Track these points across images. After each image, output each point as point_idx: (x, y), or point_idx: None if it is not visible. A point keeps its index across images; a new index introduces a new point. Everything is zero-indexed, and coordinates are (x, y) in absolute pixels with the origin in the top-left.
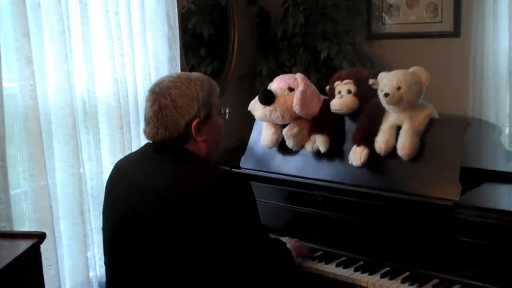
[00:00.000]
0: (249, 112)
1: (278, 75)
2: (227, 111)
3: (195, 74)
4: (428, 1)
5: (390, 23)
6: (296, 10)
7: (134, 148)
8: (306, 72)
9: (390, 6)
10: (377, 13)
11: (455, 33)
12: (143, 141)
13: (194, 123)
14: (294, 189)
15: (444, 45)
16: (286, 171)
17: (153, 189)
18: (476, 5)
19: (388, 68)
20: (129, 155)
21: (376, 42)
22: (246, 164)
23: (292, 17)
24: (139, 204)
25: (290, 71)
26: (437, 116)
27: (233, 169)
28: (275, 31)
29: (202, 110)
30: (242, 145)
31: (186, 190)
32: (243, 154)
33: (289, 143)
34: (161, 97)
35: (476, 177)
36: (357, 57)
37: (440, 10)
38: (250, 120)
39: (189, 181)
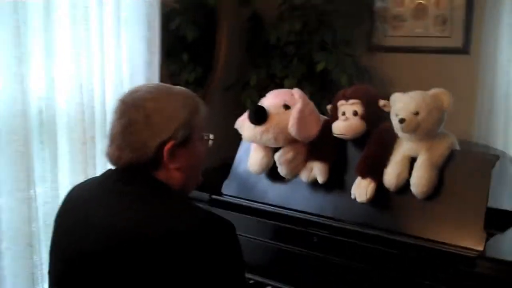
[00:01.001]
0: (234, 127)
1: (267, 86)
2: (210, 137)
3: (178, 88)
4: (436, 13)
5: (394, 35)
6: (292, 16)
7: (99, 168)
8: (299, 86)
9: (395, 16)
10: (379, 23)
11: (465, 49)
12: None
13: (168, 146)
14: (285, 225)
15: (452, 62)
16: (276, 202)
17: (109, 231)
18: (489, 19)
19: (388, 84)
20: (89, 180)
21: (377, 55)
22: (229, 190)
23: (288, 23)
24: (90, 247)
25: (281, 82)
26: (458, 147)
27: (212, 196)
28: (268, 37)
29: (180, 131)
30: (224, 166)
31: (152, 236)
32: (225, 177)
33: (282, 170)
34: (133, 110)
35: (496, 219)
36: (356, 70)
37: (449, 23)
38: (235, 137)
39: (157, 224)
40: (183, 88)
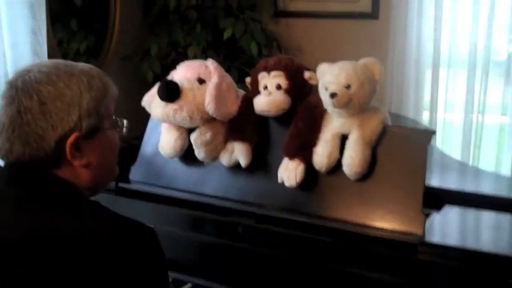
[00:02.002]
0: (136, 102)
1: (169, 55)
2: (124, 124)
3: (81, 66)
4: None
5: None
6: None
7: None
8: (204, 54)
9: None
10: None
11: (373, 14)
12: None
13: (71, 139)
14: (205, 214)
15: (361, 28)
16: (192, 188)
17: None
18: None
19: (298, 53)
20: None
21: (283, 21)
22: (137, 176)
23: None
24: None
25: (184, 51)
26: (390, 122)
27: (119, 184)
28: (167, 1)
29: (85, 120)
30: (129, 148)
31: (54, 249)
32: (131, 161)
33: (199, 153)
34: (24, 96)
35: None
36: (264, 37)
37: None
38: (138, 112)
39: (59, 234)
40: (86, 66)
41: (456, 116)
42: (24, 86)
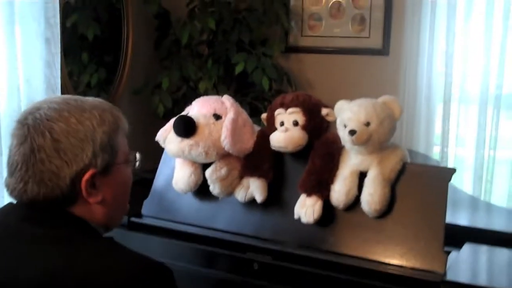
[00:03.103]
0: (146, 135)
1: (180, 89)
2: (137, 157)
3: (91, 100)
4: (354, 12)
5: (311, 35)
6: (204, 13)
7: None
8: (215, 89)
9: (312, 15)
10: (295, 22)
11: (384, 50)
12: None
13: (86, 176)
14: (219, 250)
15: (371, 64)
16: (206, 224)
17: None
18: (409, 20)
19: (308, 88)
20: None
21: (294, 56)
22: (150, 210)
23: (199, 20)
24: None
25: (195, 86)
26: (409, 160)
27: (131, 218)
28: (178, 36)
29: (99, 156)
30: (141, 181)
31: None
32: (144, 195)
33: (215, 189)
34: (36, 134)
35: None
36: (275, 72)
37: (368, 23)
38: (149, 146)
39: (78, 274)
40: (96, 100)
41: (467, 151)
42: (35, 124)
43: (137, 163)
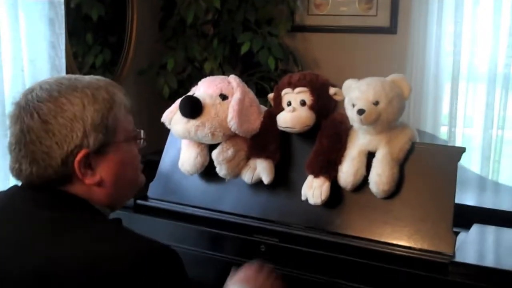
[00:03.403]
0: (152, 116)
1: (185, 70)
2: (142, 134)
3: (87, 79)
4: None
5: (317, 14)
6: None
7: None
8: (220, 69)
9: None
10: (301, 1)
11: (392, 29)
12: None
13: (79, 156)
14: (226, 233)
15: (378, 42)
16: (213, 206)
17: (18, 279)
18: None
19: (314, 68)
20: None
21: (300, 35)
22: (156, 193)
23: (204, 0)
24: None
25: (201, 66)
26: (417, 139)
27: (137, 201)
28: (183, 15)
29: (91, 135)
30: (147, 163)
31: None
32: (150, 177)
33: (221, 170)
34: (26, 115)
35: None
36: (281, 51)
37: (375, 1)
38: (154, 127)
39: (80, 260)
40: (94, 78)
41: (475, 131)
42: (26, 105)
43: (142, 141)
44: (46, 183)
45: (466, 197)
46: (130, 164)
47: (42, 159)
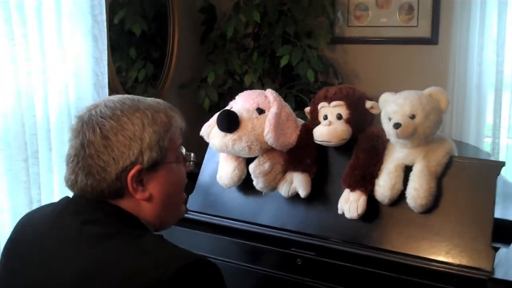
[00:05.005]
0: (193, 129)
1: (226, 83)
2: (192, 157)
3: (148, 101)
4: (401, 1)
5: (357, 26)
6: (249, 6)
7: (45, 188)
8: (260, 82)
9: (358, 5)
10: (341, 13)
11: (433, 39)
12: (59, 178)
13: (132, 172)
14: (263, 246)
15: (419, 53)
16: (250, 219)
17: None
18: (458, 7)
19: (354, 80)
20: (43, 210)
21: (340, 47)
22: (195, 205)
23: (244, 14)
24: None
25: (241, 79)
26: (456, 153)
27: None
28: (223, 29)
29: (146, 154)
30: (187, 175)
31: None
32: (189, 190)
33: (258, 183)
34: (88, 129)
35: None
36: (321, 64)
37: (416, 12)
38: (195, 140)
39: (122, 274)
40: (155, 100)
41: None
42: (89, 120)
43: (191, 164)
44: (99, 196)
45: (510, 212)
46: (177, 184)
47: (97, 172)
